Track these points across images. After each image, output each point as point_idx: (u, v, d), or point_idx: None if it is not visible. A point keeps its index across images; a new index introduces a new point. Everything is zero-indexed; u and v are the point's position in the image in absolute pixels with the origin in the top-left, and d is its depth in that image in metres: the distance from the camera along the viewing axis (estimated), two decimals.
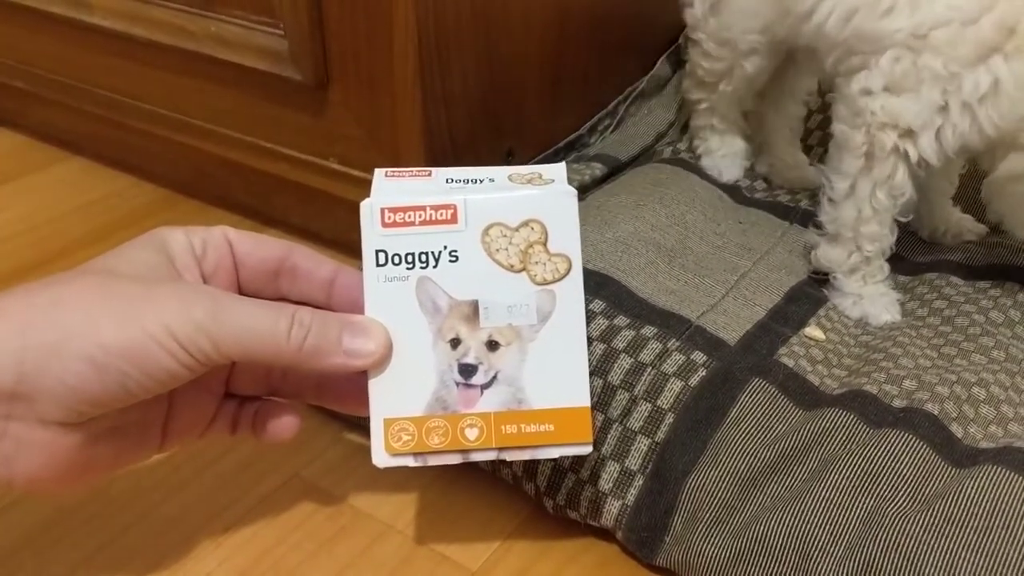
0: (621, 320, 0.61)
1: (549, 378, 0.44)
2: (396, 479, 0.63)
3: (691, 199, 0.75)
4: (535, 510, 0.59)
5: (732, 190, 0.78)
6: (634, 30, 0.93)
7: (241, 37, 0.74)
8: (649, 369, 0.58)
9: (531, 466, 0.57)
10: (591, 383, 0.46)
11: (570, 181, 0.82)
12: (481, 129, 0.75)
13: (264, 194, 0.87)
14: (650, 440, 0.55)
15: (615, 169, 0.82)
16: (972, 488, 0.49)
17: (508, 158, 0.79)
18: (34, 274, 0.83)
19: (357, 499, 0.60)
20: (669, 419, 0.55)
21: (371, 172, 0.71)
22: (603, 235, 0.68)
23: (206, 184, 0.93)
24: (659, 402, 0.55)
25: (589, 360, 0.45)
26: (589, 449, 0.45)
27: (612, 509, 0.55)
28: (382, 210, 0.44)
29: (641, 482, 0.54)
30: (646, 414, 0.56)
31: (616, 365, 0.58)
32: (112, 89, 0.88)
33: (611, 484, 0.55)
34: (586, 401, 0.44)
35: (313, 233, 0.87)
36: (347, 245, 0.83)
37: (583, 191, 0.78)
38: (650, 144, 0.86)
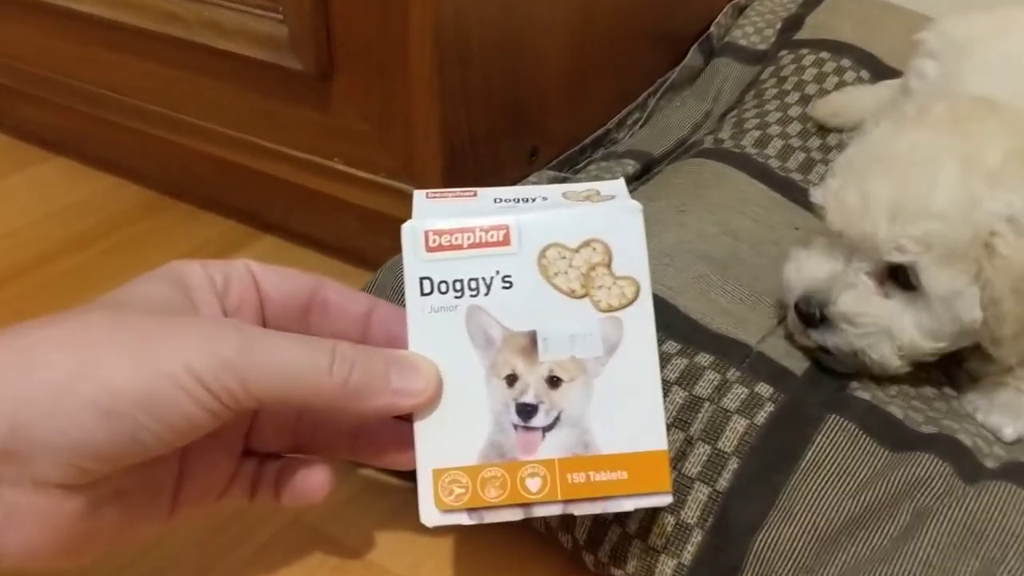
0: (671, 346, 0.53)
1: (619, 418, 0.41)
2: (411, 525, 0.56)
3: (740, 201, 0.67)
4: (571, 564, 0.53)
5: (785, 185, 0.70)
6: (662, 19, 0.86)
7: (236, 23, 0.67)
8: (707, 404, 0.50)
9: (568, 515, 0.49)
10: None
11: (598, 180, 0.74)
12: (502, 126, 0.68)
13: (261, 197, 0.80)
14: (710, 488, 0.48)
15: (648, 165, 0.75)
16: None
17: (532, 157, 0.71)
18: (10, 285, 0.76)
19: (367, 548, 0.55)
20: (733, 464, 0.48)
21: (379, 173, 0.63)
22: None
23: (197, 186, 0.86)
24: (720, 444, 0.48)
25: None
26: (668, 499, 0.41)
27: (665, 569, 0.48)
28: (426, 233, 0.41)
29: (700, 538, 0.48)
30: (705, 458, 0.49)
31: (667, 400, 0.50)
32: (96, 82, 0.81)
33: (664, 539, 0.49)
34: (663, 444, 0.41)
35: (315, 240, 0.80)
36: (352, 253, 0.77)
37: None
38: (686, 136, 0.79)
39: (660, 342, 0.53)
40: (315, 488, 0.46)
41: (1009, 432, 0.53)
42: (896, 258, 0.50)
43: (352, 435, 0.47)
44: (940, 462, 0.49)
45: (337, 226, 0.76)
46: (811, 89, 0.80)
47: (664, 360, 0.53)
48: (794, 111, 0.78)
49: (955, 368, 0.57)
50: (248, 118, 0.72)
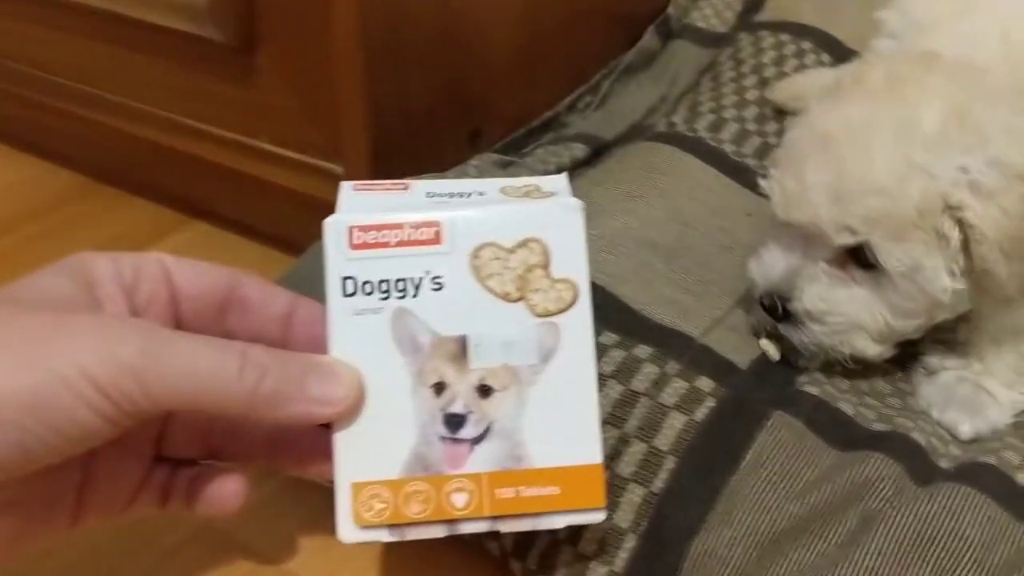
0: (608, 337, 0.50)
1: (553, 430, 0.39)
2: (330, 530, 0.52)
3: (691, 187, 0.64)
4: (499, 572, 0.50)
5: (739, 171, 0.67)
6: None
7: None
8: (643, 399, 0.47)
9: None
10: None
11: (545, 164, 0.70)
12: (441, 104, 0.64)
13: (190, 180, 0.75)
14: (645, 490, 0.46)
15: (599, 149, 0.72)
16: None
17: (474, 138, 0.68)
18: None
19: (282, 554, 0.52)
20: (669, 463, 0.45)
21: (308, 153, 0.59)
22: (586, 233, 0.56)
23: (126, 169, 0.82)
24: (656, 442, 0.45)
25: None
26: (602, 516, 0.39)
27: None
28: (350, 229, 0.39)
29: (634, 543, 0.45)
30: (640, 457, 0.46)
31: (602, 394, 0.46)
32: (17, 58, 0.78)
33: (595, 546, 0.46)
34: (598, 457, 0.39)
35: (248, 227, 0.76)
36: (287, 241, 0.73)
37: None
38: (640, 120, 0.76)
39: (597, 333, 0.50)
40: (229, 498, 0.44)
41: (966, 430, 0.50)
42: (846, 240, 0.47)
43: (270, 442, 0.44)
44: (891, 462, 0.45)
45: (269, 211, 0.71)
46: (770, 72, 0.77)
47: (600, 352, 0.49)
48: (751, 95, 0.74)
49: (911, 362, 0.54)
50: (173, 96, 0.68)
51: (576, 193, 0.65)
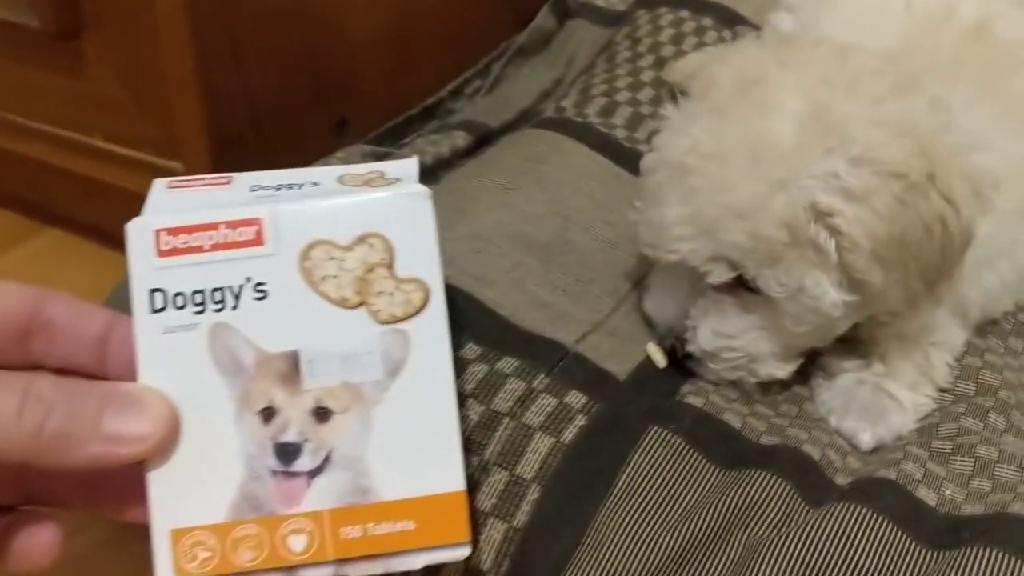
0: (470, 350, 0.45)
1: (405, 456, 0.35)
2: None
3: (577, 176, 0.59)
4: None
5: (631, 158, 0.62)
6: None
7: None
8: (506, 421, 0.42)
9: None
10: None
11: (423, 155, 0.64)
12: (300, 91, 0.58)
13: (37, 184, 0.68)
14: (507, 525, 0.41)
15: (484, 138, 0.67)
16: None
17: (341, 129, 0.61)
18: None
19: None
20: (533, 493, 0.41)
21: (144, 150, 0.52)
22: (454, 230, 0.51)
23: None
24: (519, 469, 0.41)
25: None
26: (467, 551, 0.35)
27: None
28: (156, 232, 0.34)
29: None
30: (501, 487, 0.41)
31: (460, 417, 0.41)
32: None
33: None
34: (460, 484, 0.35)
35: (103, 232, 0.70)
36: None
37: (441, 168, 0.61)
38: (531, 106, 0.71)
39: (458, 346, 0.45)
40: (41, 550, 0.38)
41: (866, 439, 0.46)
42: (721, 275, 0.43)
43: (89, 483, 0.40)
44: (779, 481, 0.41)
45: (118, 215, 0.64)
46: (667, 51, 0.72)
47: (458, 368, 0.44)
48: (647, 75, 0.70)
49: (809, 364, 0.50)
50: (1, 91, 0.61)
51: (451, 186, 0.61)
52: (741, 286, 0.44)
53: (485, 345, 0.45)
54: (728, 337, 0.45)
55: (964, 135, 0.42)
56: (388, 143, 0.66)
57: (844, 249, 0.40)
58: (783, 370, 0.46)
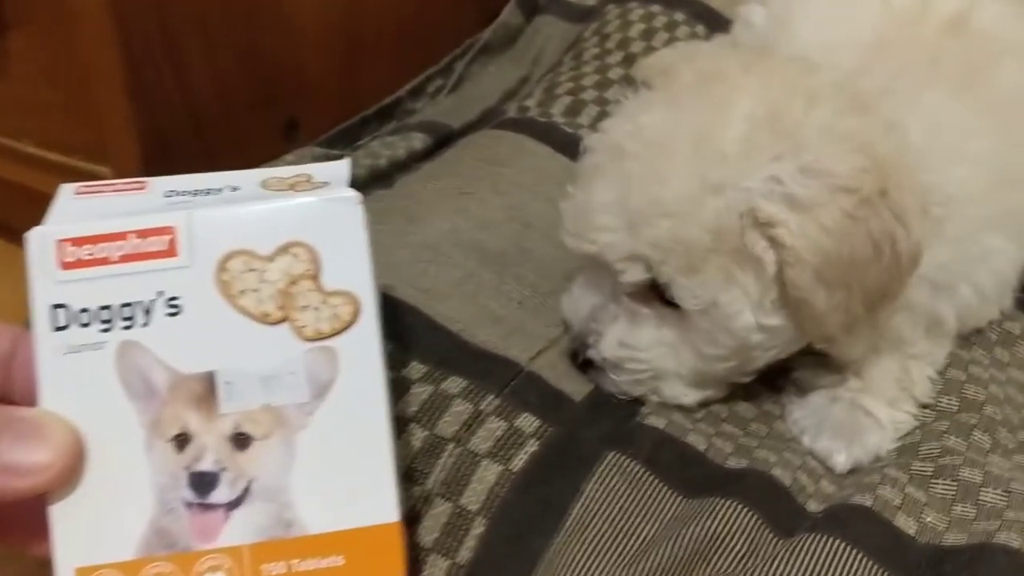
0: (415, 369, 0.42)
1: (334, 485, 0.33)
2: None
3: (538, 180, 0.56)
4: None
5: None
6: None
7: None
8: (450, 447, 0.39)
9: None
10: None
11: (376, 158, 0.61)
12: (244, 91, 0.55)
13: None
14: (449, 562, 0.38)
15: (444, 140, 0.64)
16: None
17: (290, 131, 0.58)
18: None
19: None
20: (479, 527, 0.38)
21: (75, 156, 0.48)
22: (404, 238, 0.48)
23: None
24: (464, 500, 0.38)
25: None
26: None
27: None
28: (58, 243, 0.32)
29: None
30: (444, 520, 0.38)
31: (401, 442, 0.38)
32: None
33: None
34: (394, 514, 0.33)
35: None
36: None
37: (396, 171, 0.58)
38: (494, 106, 0.68)
39: (401, 365, 0.42)
40: None
41: (841, 460, 0.43)
42: (635, 275, 0.39)
43: None
44: (745, 510, 0.38)
45: None
46: (637, 47, 0.69)
47: (400, 389, 0.41)
48: (615, 73, 0.67)
49: (781, 378, 0.47)
50: None
51: (404, 190, 0.57)
52: (658, 297, 0.41)
53: (431, 364, 0.42)
54: (634, 348, 0.42)
55: (922, 155, 0.40)
56: (341, 145, 0.63)
57: (785, 264, 0.37)
58: (689, 396, 0.43)
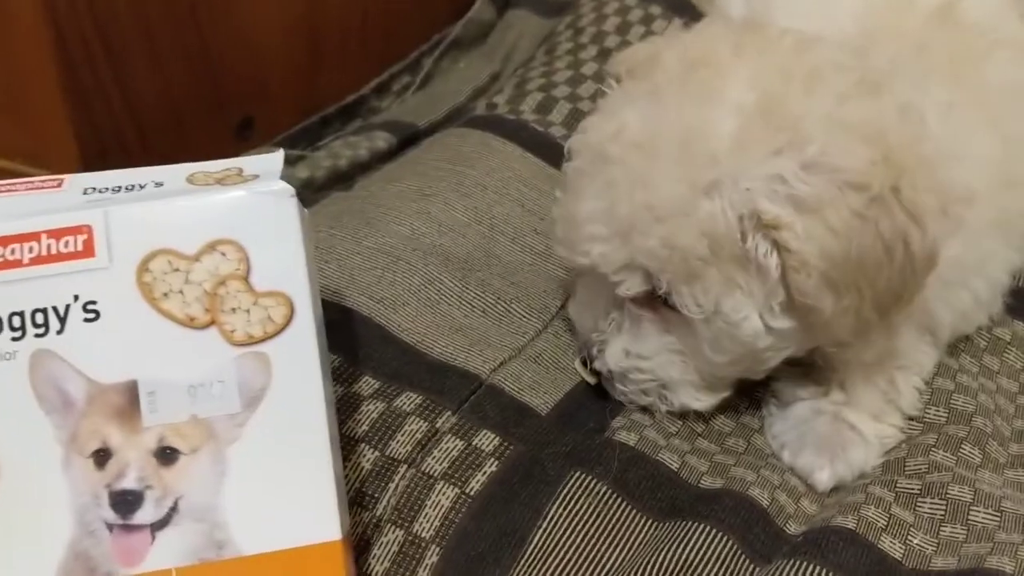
0: (365, 384, 0.39)
1: (269, 501, 0.31)
2: None
3: (505, 181, 0.54)
4: None
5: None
6: None
7: None
8: (403, 469, 0.36)
9: None
10: None
11: (337, 158, 0.59)
12: (191, 89, 0.52)
13: None
14: None
15: (410, 139, 0.62)
16: None
17: (244, 131, 0.56)
18: None
19: None
20: (432, 557, 0.36)
21: (16, 159, 0.46)
22: (359, 243, 0.46)
23: None
24: (416, 527, 0.35)
25: None
26: None
27: None
28: None
29: None
30: (394, 549, 0.36)
31: (348, 466, 0.36)
32: None
33: None
34: (335, 532, 0.31)
35: None
36: None
37: (358, 172, 0.56)
38: (462, 104, 0.65)
39: (350, 380, 0.39)
40: None
41: (824, 478, 0.40)
42: (634, 287, 0.37)
43: None
44: (720, 535, 0.36)
45: None
46: (612, 42, 0.67)
47: (350, 406, 0.38)
48: (589, 68, 0.64)
49: (761, 389, 0.44)
50: None
51: (364, 192, 0.55)
52: (662, 302, 0.38)
53: (383, 378, 0.39)
54: (639, 358, 0.40)
55: (938, 145, 0.37)
56: (302, 145, 0.60)
57: (791, 269, 0.34)
58: (701, 401, 0.41)
